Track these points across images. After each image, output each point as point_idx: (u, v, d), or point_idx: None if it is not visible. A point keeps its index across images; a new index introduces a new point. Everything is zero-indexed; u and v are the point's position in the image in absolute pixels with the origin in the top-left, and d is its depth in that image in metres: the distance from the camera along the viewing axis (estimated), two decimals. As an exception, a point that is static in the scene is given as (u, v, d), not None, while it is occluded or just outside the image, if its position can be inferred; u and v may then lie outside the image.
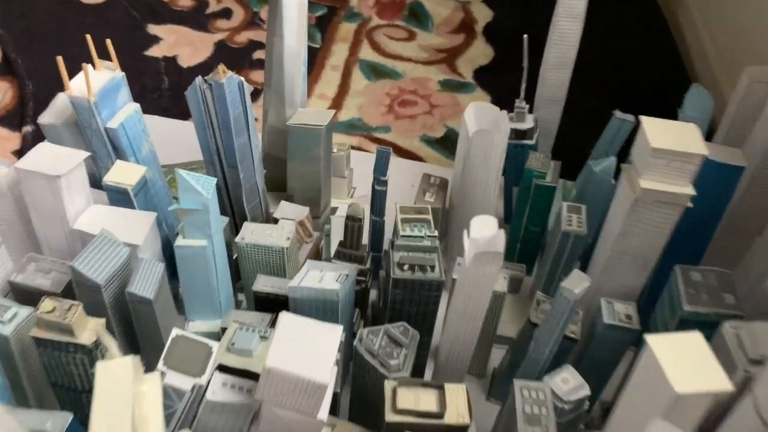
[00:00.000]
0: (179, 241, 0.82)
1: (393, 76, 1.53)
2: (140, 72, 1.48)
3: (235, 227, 1.05)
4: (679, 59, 1.65)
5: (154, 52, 1.54)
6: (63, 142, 0.92)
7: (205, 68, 1.51)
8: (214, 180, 0.81)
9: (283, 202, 1.07)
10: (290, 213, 1.05)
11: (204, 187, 0.80)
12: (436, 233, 0.82)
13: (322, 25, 1.66)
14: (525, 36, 0.98)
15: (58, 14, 1.62)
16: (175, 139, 1.19)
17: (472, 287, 0.70)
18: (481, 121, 0.92)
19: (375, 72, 1.53)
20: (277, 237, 0.91)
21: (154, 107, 1.40)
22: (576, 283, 0.71)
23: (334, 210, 1.20)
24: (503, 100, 1.52)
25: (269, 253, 0.90)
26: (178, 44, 1.56)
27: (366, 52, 1.59)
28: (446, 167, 1.32)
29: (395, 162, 1.32)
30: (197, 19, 1.65)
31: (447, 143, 1.37)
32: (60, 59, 0.82)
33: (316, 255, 1.09)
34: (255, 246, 0.90)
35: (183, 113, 1.35)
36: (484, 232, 0.67)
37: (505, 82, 1.56)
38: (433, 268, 0.80)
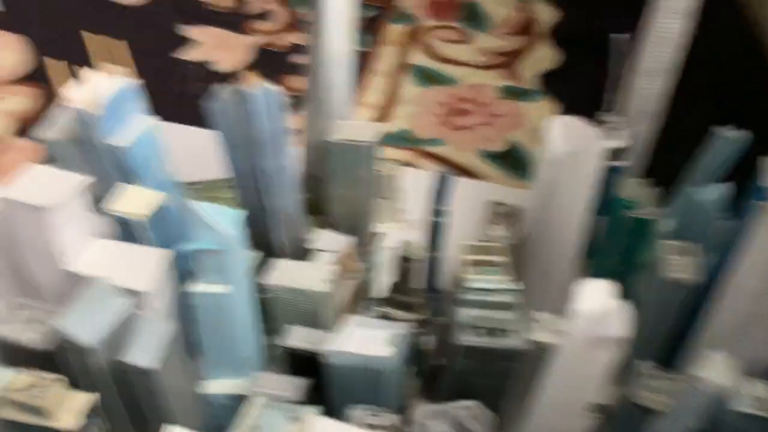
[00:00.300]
0: (195, 287, 0.65)
1: (447, 82, 1.33)
2: (170, 77, 1.32)
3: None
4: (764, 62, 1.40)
5: (187, 55, 1.38)
6: (69, 162, 0.75)
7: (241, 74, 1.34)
8: (241, 213, 0.63)
9: (323, 231, 0.89)
10: (331, 244, 0.86)
11: (227, 222, 0.62)
12: (518, 285, 0.63)
13: (370, 28, 1.48)
14: (613, 36, 0.77)
15: (92, 15, 1.48)
16: (206, 151, 1.02)
17: (576, 377, 0.50)
18: (571, 140, 0.72)
19: (427, 78, 1.34)
20: (314, 278, 0.73)
21: (183, 116, 1.24)
22: (716, 369, 0.50)
23: (381, 237, 1.01)
24: (573, 109, 1.31)
25: (304, 298, 0.72)
26: (212, 47, 1.40)
27: (417, 57, 1.39)
28: (510, 187, 1.11)
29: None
30: (235, 20, 1.48)
31: (509, 159, 1.17)
32: (49, 60, 0.65)
33: (361, 293, 0.90)
34: (287, 289, 0.72)
35: (216, 123, 1.18)
36: (597, 303, 0.47)
37: (574, 90, 1.35)
38: (513, 332, 0.60)
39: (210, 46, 1.40)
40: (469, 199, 1.05)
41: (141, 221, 0.68)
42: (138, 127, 0.72)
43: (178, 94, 1.28)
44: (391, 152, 1.18)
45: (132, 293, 0.63)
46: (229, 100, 0.70)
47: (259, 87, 0.69)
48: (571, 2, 1.55)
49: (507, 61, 1.39)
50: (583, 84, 1.36)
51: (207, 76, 1.33)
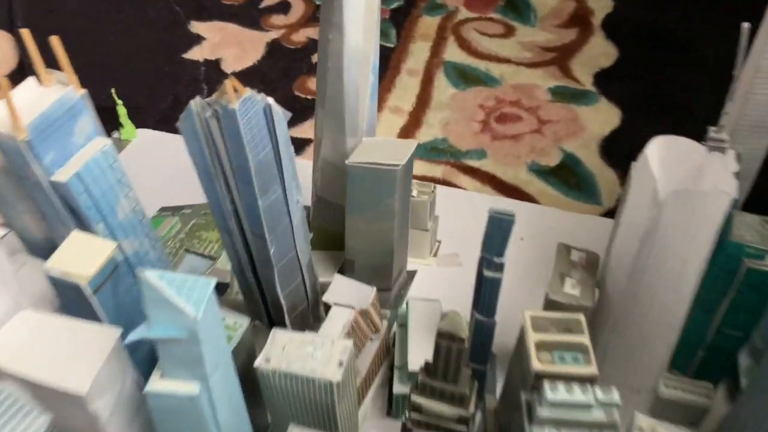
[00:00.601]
0: (153, 385, 0.44)
1: (488, 82, 1.10)
2: (175, 79, 1.12)
3: (268, 317, 0.66)
4: None
5: (195, 54, 1.17)
6: (4, 198, 0.55)
7: (253, 74, 1.13)
8: (210, 284, 0.42)
9: (337, 277, 0.67)
10: (348, 295, 0.65)
11: (192, 300, 0.41)
12: (616, 397, 0.40)
13: (397, 20, 1.25)
14: (745, 25, 0.53)
15: (91, 10, 1.28)
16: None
17: None
18: (676, 168, 0.48)
19: (464, 77, 1.11)
20: (324, 360, 0.51)
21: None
22: None
23: (411, 275, 0.79)
24: (636, 113, 1.07)
25: (310, 388, 0.51)
26: (223, 45, 1.19)
27: (452, 53, 1.16)
28: (569, 211, 0.88)
29: (493, 201, 0.90)
30: (249, 14, 1.27)
31: (565, 174, 0.94)
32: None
33: (386, 354, 0.68)
34: (287, 376, 0.51)
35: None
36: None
37: (636, 89, 1.11)
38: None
39: (219, 42, 1.19)
40: (520, 229, 0.81)
41: (82, 285, 0.47)
42: (86, 154, 0.51)
43: (174, 97, 1.08)
44: (423, 166, 0.95)
45: (62, 396, 0.43)
46: (202, 117, 0.48)
47: (242, 99, 0.47)
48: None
49: (557, 57, 1.14)
50: (642, 82, 1.13)
51: (215, 76, 1.12)
